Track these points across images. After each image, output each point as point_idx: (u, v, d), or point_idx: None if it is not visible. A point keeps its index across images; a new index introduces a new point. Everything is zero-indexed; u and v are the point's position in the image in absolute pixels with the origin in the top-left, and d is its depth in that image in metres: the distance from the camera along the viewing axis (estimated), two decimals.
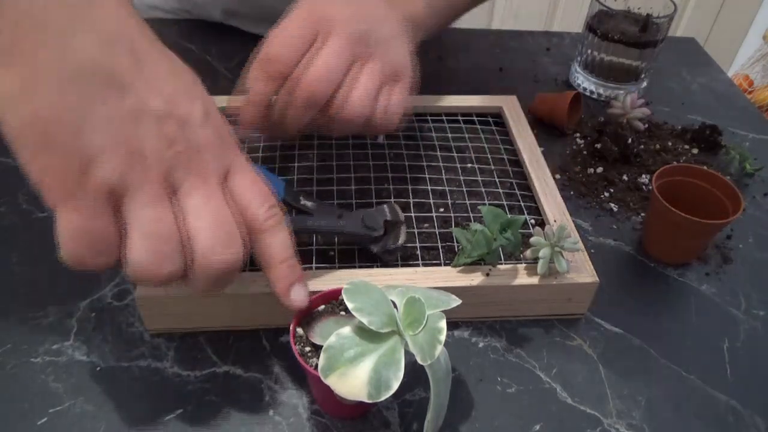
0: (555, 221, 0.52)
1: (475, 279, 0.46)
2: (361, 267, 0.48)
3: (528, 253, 0.47)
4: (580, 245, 0.49)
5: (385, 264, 0.48)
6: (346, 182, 0.57)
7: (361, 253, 0.49)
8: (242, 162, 0.39)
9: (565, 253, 0.46)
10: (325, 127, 0.48)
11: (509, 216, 0.46)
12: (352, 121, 0.46)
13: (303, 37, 0.45)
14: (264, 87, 0.46)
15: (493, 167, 0.60)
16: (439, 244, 0.51)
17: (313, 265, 0.48)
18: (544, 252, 0.46)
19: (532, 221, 0.54)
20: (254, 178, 0.39)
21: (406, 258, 0.49)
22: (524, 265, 0.48)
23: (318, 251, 0.49)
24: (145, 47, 0.35)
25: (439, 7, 0.59)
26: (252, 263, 0.48)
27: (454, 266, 0.47)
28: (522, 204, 0.55)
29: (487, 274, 0.47)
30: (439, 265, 0.49)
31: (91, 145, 0.32)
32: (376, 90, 0.47)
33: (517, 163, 0.60)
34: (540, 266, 0.46)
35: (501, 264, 0.48)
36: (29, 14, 0.32)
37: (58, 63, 0.32)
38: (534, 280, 0.47)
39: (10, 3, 0.32)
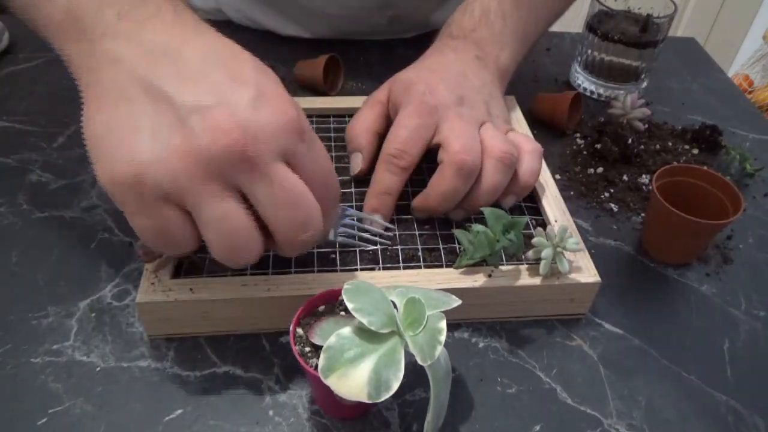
0: (555, 221, 0.52)
1: (478, 280, 0.46)
2: (363, 270, 0.48)
3: (530, 253, 0.47)
4: (582, 245, 0.49)
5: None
6: (347, 184, 0.57)
7: (362, 256, 0.49)
8: (309, 140, 0.37)
9: (567, 253, 0.46)
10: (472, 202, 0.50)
11: (512, 217, 0.46)
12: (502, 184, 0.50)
13: (423, 128, 0.50)
14: (397, 180, 0.50)
15: None
16: (441, 246, 0.51)
17: (315, 268, 0.48)
18: (546, 253, 0.46)
19: (533, 221, 0.54)
20: (320, 157, 0.38)
21: (408, 260, 0.49)
22: (526, 266, 0.48)
23: (319, 255, 0.49)
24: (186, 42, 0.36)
25: (520, 52, 0.62)
26: (253, 266, 0.48)
27: (457, 268, 0.47)
28: (522, 204, 0.55)
29: (490, 276, 0.47)
30: (441, 266, 0.49)
31: (140, 153, 0.33)
32: (513, 149, 0.50)
33: None
34: (542, 267, 0.46)
35: (503, 265, 0.48)
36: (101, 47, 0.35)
37: (112, 81, 0.35)
38: (536, 280, 0.47)
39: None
